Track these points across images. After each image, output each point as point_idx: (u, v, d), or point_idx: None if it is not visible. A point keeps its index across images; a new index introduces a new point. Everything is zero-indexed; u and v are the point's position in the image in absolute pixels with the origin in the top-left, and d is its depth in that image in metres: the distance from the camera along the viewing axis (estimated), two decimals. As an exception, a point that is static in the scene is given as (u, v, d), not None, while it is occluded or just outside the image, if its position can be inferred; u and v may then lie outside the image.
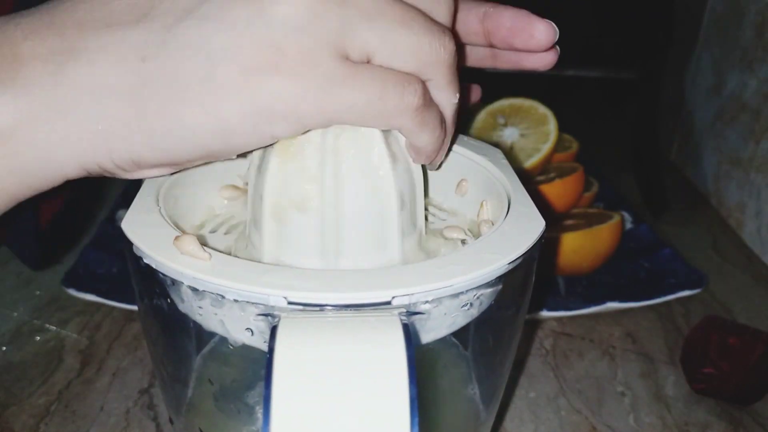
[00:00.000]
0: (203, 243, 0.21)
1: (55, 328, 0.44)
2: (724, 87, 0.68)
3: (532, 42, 0.26)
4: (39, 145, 0.21)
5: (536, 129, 0.54)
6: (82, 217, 0.56)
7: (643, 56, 0.72)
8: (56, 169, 0.21)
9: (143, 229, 0.23)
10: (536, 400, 0.39)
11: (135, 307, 0.44)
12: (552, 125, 0.53)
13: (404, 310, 0.20)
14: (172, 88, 0.20)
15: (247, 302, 0.20)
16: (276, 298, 0.19)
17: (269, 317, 0.19)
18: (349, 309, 0.19)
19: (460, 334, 0.26)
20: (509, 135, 0.54)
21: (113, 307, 0.45)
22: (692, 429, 0.37)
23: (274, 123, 0.20)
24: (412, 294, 0.20)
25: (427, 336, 0.23)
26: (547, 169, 0.54)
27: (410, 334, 0.18)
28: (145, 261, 0.22)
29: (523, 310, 0.27)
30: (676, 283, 0.49)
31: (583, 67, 0.75)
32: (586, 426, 0.37)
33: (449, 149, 0.27)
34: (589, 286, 0.49)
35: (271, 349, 0.17)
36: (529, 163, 0.52)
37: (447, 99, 0.23)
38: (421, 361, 0.27)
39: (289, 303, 0.19)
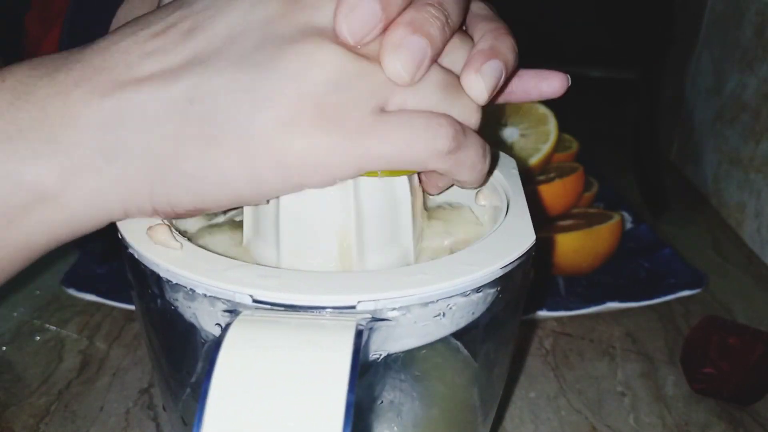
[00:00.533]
0: (202, 238, 0.21)
1: (55, 328, 0.44)
2: (724, 87, 0.68)
3: (547, 94, 0.28)
4: (90, 195, 0.21)
5: (536, 129, 0.54)
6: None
7: (643, 56, 0.72)
8: (104, 214, 0.22)
9: (134, 219, 0.23)
10: (536, 400, 0.39)
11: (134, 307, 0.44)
12: (552, 125, 0.53)
13: (369, 316, 0.20)
14: (212, 132, 0.20)
15: (215, 298, 0.20)
16: (242, 295, 0.19)
17: (234, 314, 0.19)
18: (313, 311, 0.19)
19: (457, 339, 0.25)
20: (509, 135, 0.54)
21: (113, 307, 0.45)
22: (692, 429, 0.37)
23: (305, 175, 0.21)
24: (378, 300, 0.20)
25: (396, 344, 0.22)
26: (547, 169, 0.54)
27: (360, 341, 0.18)
28: (130, 250, 0.22)
29: (514, 320, 0.26)
30: (676, 283, 0.49)
31: (583, 67, 0.75)
32: (586, 426, 0.37)
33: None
34: (589, 286, 0.49)
35: (219, 344, 0.18)
36: (529, 163, 0.52)
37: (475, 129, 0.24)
38: (421, 361, 0.28)
39: (255, 301, 0.19)
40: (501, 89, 0.24)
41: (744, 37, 0.64)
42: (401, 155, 0.21)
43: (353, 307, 0.20)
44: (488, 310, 0.24)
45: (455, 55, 0.23)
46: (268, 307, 0.19)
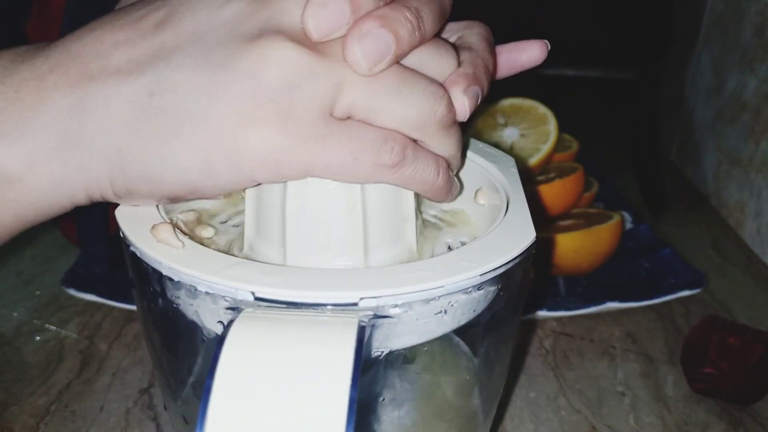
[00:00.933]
0: (210, 237, 0.22)
1: (55, 328, 0.44)
2: (724, 87, 0.68)
3: (528, 64, 0.28)
4: (54, 179, 0.22)
5: (536, 129, 0.54)
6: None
7: (643, 56, 0.72)
8: (67, 198, 0.23)
9: (134, 216, 0.23)
10: (536, 400, 0.39)
11: (135, 307, 0.44)
12: (552, 125, 0.53)
13: (371, 313, 0.20)
14: (170, 123, 0.21)
15: (218, 295, 0.20)
16: (243, 292, 0.20)
17: (236, 311, 0.20)
18: (315, 308, 0.19)
19: (459, 336, 0.25)
20: (509, 135, 0.54)
21: (113, 307, 0.45)
22: (692, 429, 0.37)
23: (255, 169, 0.21)
24: (380, 297, 0.20)
25: (398, 341, 0.22)
26: (547, 169, 0.54)
27: (363, 338, 0.18)
28: (131, 248, 0.22)
29: (515, 318, 0.26)
30: (676, 283, 0.49)
31: (583, 67, 0.75)
32: (586, 426, 0.37)
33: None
34: (589, 286, 0.49)
35: (221, 342, 0.18)
36: (529, 163, 0.52)
37: (444, 152, 0.24)
38: (422, 358, 0.28)
39: (256, 298, 0.19)
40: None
41: (744, 37, 0.64)
42: (346, 166, 0.22)
43: (355, 304, 0.20)
44: (489, 307, 0.24)
45: (425, 61, 0.23)
46: (270, 304, 0.20)
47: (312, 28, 0.21)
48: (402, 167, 0.22)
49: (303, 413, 0.17)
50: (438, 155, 0.24)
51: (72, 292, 0.45)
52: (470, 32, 0.26)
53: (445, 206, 0.30)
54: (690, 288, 0.48)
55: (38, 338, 0.43)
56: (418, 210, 0.27)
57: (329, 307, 0.20)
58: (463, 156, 0.28)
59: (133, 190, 0.23)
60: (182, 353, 0.27)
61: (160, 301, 0.23)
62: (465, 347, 0.30)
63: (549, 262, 0.48)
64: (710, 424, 0.38)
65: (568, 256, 0.48)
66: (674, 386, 0.41)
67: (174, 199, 0.24)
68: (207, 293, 0.21)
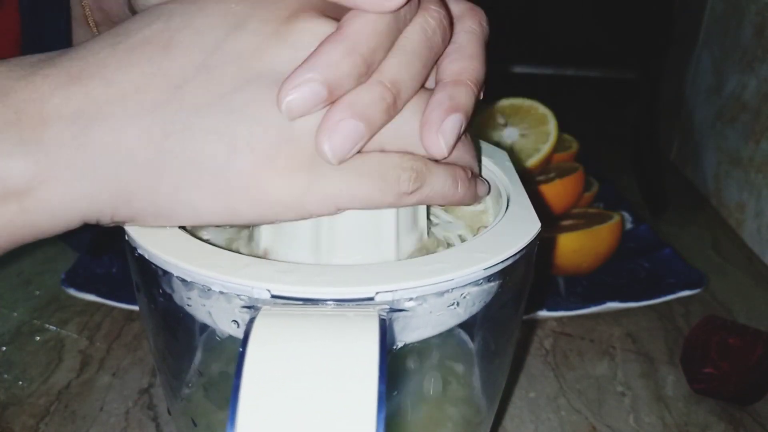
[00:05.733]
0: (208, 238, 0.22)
1: (55, 328, 0.44)
2: (724, 87, 0.68)
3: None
4: (53, 205, 0.21)
5: (536, 129, 0.54)
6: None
7: (643, 56, 0.72)
8: (63, 224, 0.22)
9: None
10: (536, 400, 0.39)
11: (135, 307, 0.44)
12: (552, 125, 0.53)
13: (387, 307, 0.20)
14: (187, 171, 0.21)
15: (233, 294, 0.20)
16: (260, 290, 0.20)
17: (253, 309, 0.20)
18: (331, 304, 0.20)
19: (463, 328, 0.26)
20: (509, 135, 0.54)
21: (113, 307, 0.45)
22: (692, 429, 0.37)
23: (281, 213, 0.21)
24: (396, 290, 0.20)
25: (412, 334, 0.23)
26: (547, 169, 0.54)
27: (386, 330, 0.18)
28: (139, 251, 0.22)
29: (519, 310, 0.27)
30: (676, 283, 0.49)
31: (583, 67, 0.75)
32: (586, 426, 0.37)
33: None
34: (589, 286, 0.49)
35: (245, 340, 0.18)
36: (529, 163, 0.52)
37: (457, 160, 0.24)
38: (424, 356, 0.28)
39: (273, 296, 0.20)
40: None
41: (744, 37, 0.64)
42: (371, 198, 0.22)
43: (371, 299, 0.20)
44: (496, 299, 0.24)
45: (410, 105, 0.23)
46: (287, 301, 0.20)
47: (285, 109, 0.20)
48: (421, 190, 0.23)
49: (332, 408, 0.17)
50: (454, 165, 0.24)
51: (72, 292, 0.45)
52: (461, 27, 0.25)
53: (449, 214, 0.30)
54: (690, 288, 0.48)
55: (38, 338, 0.43)
56: (418, 228, 0.27)
57: (350, 303, 0.20)
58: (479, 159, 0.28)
59: (139, 222, 0.22)
60: (189, 356, 0.27)
61: (168, 303, 0.23)
62: (469, 341, 0.30)
63: (549, 262, 0.48)
64: (710, 424, 0.38)
65: (568, 256, 0.48)
66: (674, 386, 0.41)
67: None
68: (221, 293, 0.21)
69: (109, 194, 0.21)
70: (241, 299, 0.20)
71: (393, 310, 0.20)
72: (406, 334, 0.22)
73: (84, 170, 0.21)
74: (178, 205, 0.21)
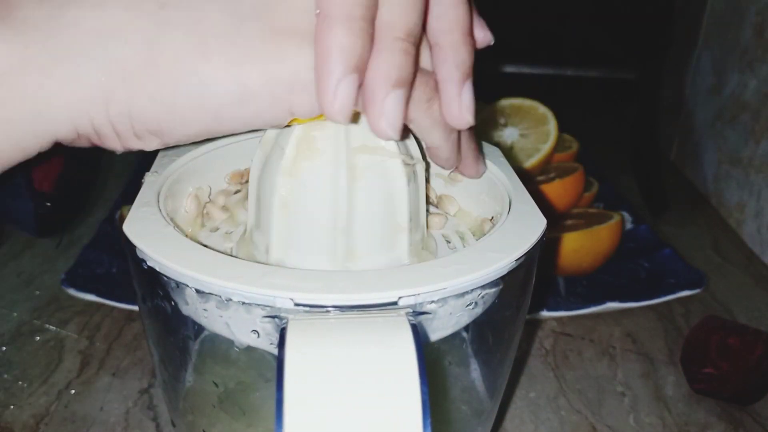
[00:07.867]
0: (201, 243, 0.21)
1: (54, 328, 0.44)
2: (724, 87, 0.68)
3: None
4: (31, 95, 0.18)
5: (536, 129, 0.54)
6: (84, 184, 0.50)
7: (643, 56, 0.72)
8: (47, 125, 0.19)
9: (146, 231, 0.22)
10: (536, 400, 0.39)
11: (135, 307, 0.44)
12: (552, 125, 0.53)
13: (410, 311, 0.20)
14: (191, 39, 0.19)
15: (254, 304, 0.20)
16: (283, 299, 0.19)
17: (276, 319, 0.19)
18: (355, 310, 0.19)
19: (462, 332, 0.26)
20: (509, 135, 0.54)
21: (113, 307, 0.45)
22: (692, 429, 0.37)
23: (296, 93, 0.20)
24: (419, 294, 0.20)
25: (432, 336, 0.23)
26: (547, 169, 0.54)
27: (419, 335, 0.18)
28: (149, 264, 0.21)
29: (524, 308, 0.27)
30: (676, 283, 0.49)
31: (583, 67, 0.75)
32: (586, 426, 0.37)
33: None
34: (589, 286, 0.49)
35: (282, 352, 0.17)
36: (529, 163, 0.52)
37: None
38: (427, 356, 0.28)
39: (296, 305, 0.19)
40: None
41: (744, 37, 0.64)
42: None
43: (395, 303, 0.20)
44: (501, 298, 0.24)
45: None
46: (310, 309, 0.19)
47: (339, 119, 0.19)
48: (434, 102, 0.22)
49: (380, 413, 0.17)
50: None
51: (72, 292, 0.45)
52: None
53: (439, 192, 0.31)
54: (690, 288, 0.48)
55: (38, 338, 0.43)
56: (420, 225, 0.27)
57: (373, 308, 0.20)
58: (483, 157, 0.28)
59: (137, 115, 0.19)
60: (189, 371, 0.27)
61: (174, 315, 0.23)
62: (468, 348, 0.30)
63: (549, 262, 0.48)
64: (710, 424, 0.38)
65: (568, 256, 0.48)
66: (674, 386, 0.41)
67: (178, 139, 0.21)
68: (242, 303, 0.20)
69: (100, 80, 0.19)
70: (263, 309, 0.20)
71: (416, 314, 0.20)
72: (428, 336, 0.22)
73: (65, 53, 0.18)
74: (181, 75, 0.19)
